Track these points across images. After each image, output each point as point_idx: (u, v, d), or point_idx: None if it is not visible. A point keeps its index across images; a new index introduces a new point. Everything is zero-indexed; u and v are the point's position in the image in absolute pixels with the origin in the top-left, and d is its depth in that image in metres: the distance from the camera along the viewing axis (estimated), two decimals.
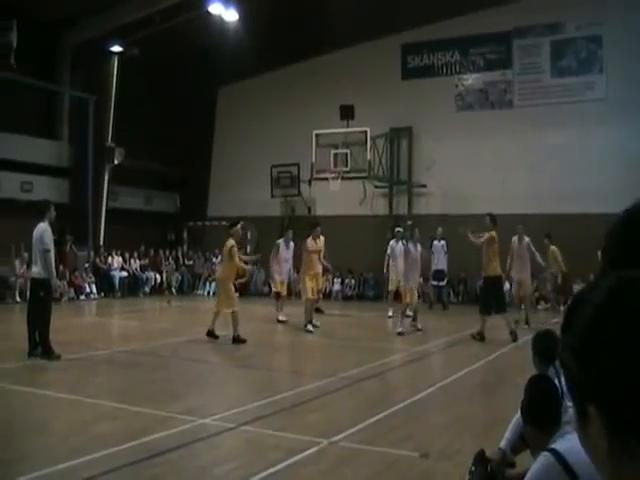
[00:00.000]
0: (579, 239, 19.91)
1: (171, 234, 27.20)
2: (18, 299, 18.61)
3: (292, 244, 16.75)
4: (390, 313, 17.26)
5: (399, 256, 16.78)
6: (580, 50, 22.08)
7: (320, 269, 15.88)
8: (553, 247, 17.62)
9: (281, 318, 16.01)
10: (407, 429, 7.07)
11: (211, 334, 12.80)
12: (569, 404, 3.80)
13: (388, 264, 17.51)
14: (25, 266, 18.65)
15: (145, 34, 22.58)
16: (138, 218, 25.64)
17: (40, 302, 10.81)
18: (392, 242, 17.53)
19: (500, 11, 22.58)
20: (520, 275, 15.96)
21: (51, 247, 10.69)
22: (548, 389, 3.59)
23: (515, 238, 15.94)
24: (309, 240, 15.57)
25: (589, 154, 21.34)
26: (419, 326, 14.92)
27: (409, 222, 17.76)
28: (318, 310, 16.76)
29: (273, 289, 16.92)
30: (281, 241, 16.73)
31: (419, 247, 15.72)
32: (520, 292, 16.14)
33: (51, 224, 10.98)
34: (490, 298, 13.63)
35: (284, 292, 16.64)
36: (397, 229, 17.62)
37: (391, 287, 17.65)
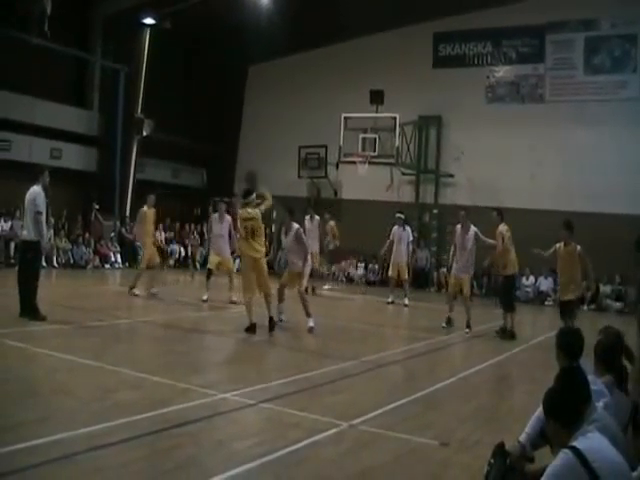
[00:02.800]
0: (607, 239, 19.78)
1: (197, 209, 27.29)
2: (44, 264, 18.67)
3: (228, 218, 15.45)
4: (390, 299, 17.57)
5: (400, 242, 17.34)
6: (614, 48, 21.84)
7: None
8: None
9: (204, 297, 15.00)
10: (427, 417, 7.07)
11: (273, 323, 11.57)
12: (598, 404, 3.77)
13: (391, 249, 17.66)
14: (52, 230, 18.86)
15: (178, 8, 22.60)
16: (164, 191, 25.76)
17: (29, 264, 10.94)
18: (395, 228, 17.64)
19: (534, 4, 22.36)
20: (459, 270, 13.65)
21: (42, 210, 10.76)
22: (578, 383, 3.56)
23: (458, 227, 13.65)
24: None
25: (620, 153, 21.14)
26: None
27: (399, 214, 17.68)
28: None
29: (208, 265, 15.76)
30: (215, 215, 15.69)
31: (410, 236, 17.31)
32: (456, 289, 13.73)
33: (44, 188, 11.02)
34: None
35: (227, 268, 15.55)
36: (397, 214, 17.64)
37: (392, 273, 17.82)
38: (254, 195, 11.62)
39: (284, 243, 12.45)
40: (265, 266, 11.55)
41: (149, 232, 16.26)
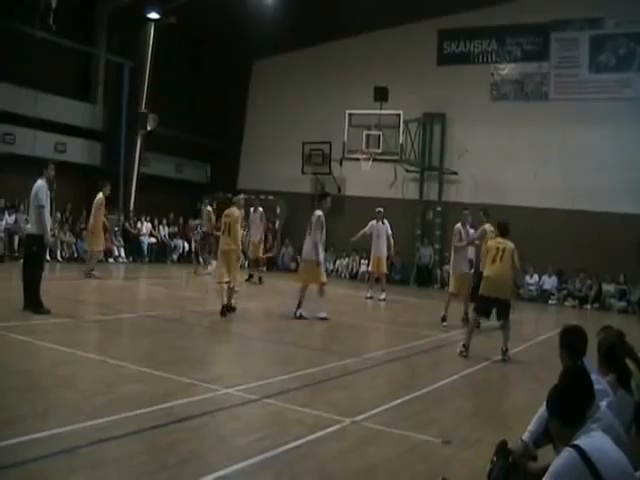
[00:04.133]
0: (610, 238, 19.81)
1: (200, 203, 27.26)
2: (48, 258, 18.62)
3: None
4: (369, 294, 17.60)
5: (379, 236, 17.27)
6: (619, 47, 21.78)
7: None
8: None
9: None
10: (430, 414, 7.08)
11: (230, 309, 12.61)
12: (601, 403, 3.77)
13: (370, 241, 17.65)
14: (56, 225, 18.88)
15: (182, 3, 22.59)
16: (168, 186, 25.79)
17: (33, 257, 10.97)
18: (373, 222, 17.54)
19: (539, 2, 22.30)
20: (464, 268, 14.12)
21: (45, 204, 10.78)
22: (582, 382, 3.55)
23: (458, 225, 14.22)
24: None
25: (624, 152, 21.09)
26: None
27: (379, 209, 17.61)
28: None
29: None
30: None
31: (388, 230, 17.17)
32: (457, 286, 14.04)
33: (49, 182, 11.06)
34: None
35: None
36: (378, 209, 17.60)
37: (371, 267, 17.88)
38: (241, 196, 13.40)
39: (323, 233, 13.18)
40: (234, 258, 12.61)
41: (102, 218, 17.65)
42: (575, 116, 21.91)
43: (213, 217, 20.44)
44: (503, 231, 10.71)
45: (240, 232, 12.84)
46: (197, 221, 23.18)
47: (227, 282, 12.44)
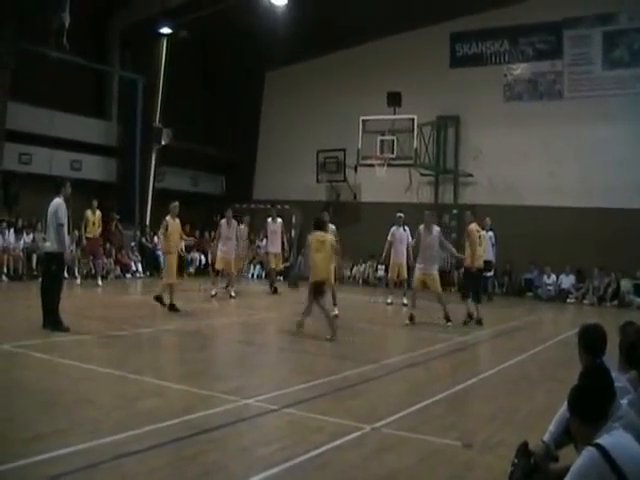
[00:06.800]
0: (627, 234, 19.67)
1: (217, 216, 27.34)
2: (66, 275, 18.73)
3: (234, 222, 17.65)
4: (389, 300, 17.51)
5: (400, 242, 17.04)
6: (633, 42, 21.60)
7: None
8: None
9: (213, 292, 17.03)
10: (450, 418, 7.05)
11: (172, 307, 14.08)
12: (623, 401, 3.73)
13: (390, 251, 17.36)
14: (74, 243, 18.99)
15: (194, 17, 22.69)
16: (184, 199, 25.82)
17: (52, 275, 11.09)
18: (393, 228, 17.34)
19: (550, 1, 22.17)
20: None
21: (64, 222, 10.92)
22: (602, 381, 3.53)
23: (421, 227, 14.24)
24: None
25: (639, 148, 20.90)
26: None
27: (399, 214, 17.43)
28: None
29: (216, 266, 17.68)
30: (223, 220, 17.55)
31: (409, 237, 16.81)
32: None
33: (66, 200, 11.20)
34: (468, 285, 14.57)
35: (229, 268, 17.42)
36: (398, 214, 17.48)
37: (391, 273, 17.70)
38: (175, 204, 14.69)
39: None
40: (169, 260, 14.74)
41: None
42: (590, 113, 21.77)
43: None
44: (318, 226, 11.96)
45: (173, 237, 14.53)
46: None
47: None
